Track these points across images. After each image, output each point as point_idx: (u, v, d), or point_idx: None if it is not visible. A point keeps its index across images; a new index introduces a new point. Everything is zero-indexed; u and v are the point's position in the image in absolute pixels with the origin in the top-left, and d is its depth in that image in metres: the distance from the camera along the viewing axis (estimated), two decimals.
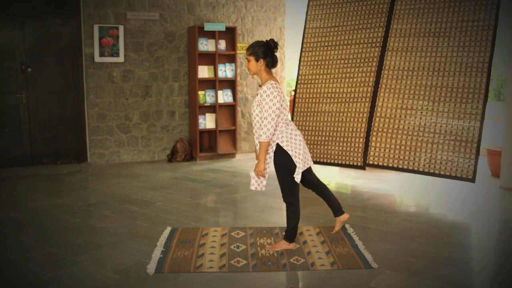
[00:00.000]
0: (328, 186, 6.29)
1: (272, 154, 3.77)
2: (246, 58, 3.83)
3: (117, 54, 7.56)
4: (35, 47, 7.24)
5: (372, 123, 6.05)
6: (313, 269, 3.60)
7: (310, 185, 4.10)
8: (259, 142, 3.71)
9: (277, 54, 8.85)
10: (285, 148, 3.69)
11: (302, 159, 3.74)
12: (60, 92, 7.47)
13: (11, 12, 7.05)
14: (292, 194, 3.81)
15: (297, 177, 3.71)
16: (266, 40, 3.80)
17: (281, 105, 3.72)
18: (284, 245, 3.94)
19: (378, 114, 6.03)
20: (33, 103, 7.30)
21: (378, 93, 6.06)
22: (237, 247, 4.01)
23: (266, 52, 3.75)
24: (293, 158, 3.69)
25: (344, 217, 4.12)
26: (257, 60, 3.77)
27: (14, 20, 7.08)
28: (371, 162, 6.04)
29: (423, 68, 5.80)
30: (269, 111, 3.64)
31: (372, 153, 6.03)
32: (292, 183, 3.78)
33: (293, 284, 3.44)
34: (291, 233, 3.92)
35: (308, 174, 4.03)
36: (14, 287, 3.36)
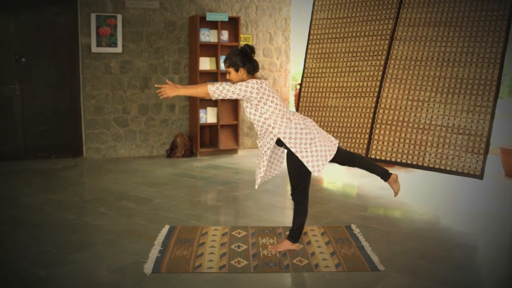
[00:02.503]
0: (334, 185, 6.35)
1: (271, 147, 3.76)
2: (226, 71, 3.84)
3: (115, 44, 7.56)
4: (30, 37, 7.24)
5: (376, 115, 6.01)
6: (317, 270, 3.60)
7: (344, 163, 4.07)
8: (207, 85, 3.74)
9: (283, 46, 8.87)
10: (288, 145, 3.68)
11: (316, 150, 3.69)
12: (55, 83, 7.48)
13: (4, 0, 7.04)
14: (302, 193, 3.82)
15: (315, 169, 3.68)
16: (241, 47, 3.81)
17: (272, 102, 3.70)
18: (287, 245, 3.94)
19: (382, 106, 5.98)
20: (27, 95, 7.31)
21: (383, 84, 6.03)
22: (238, 247, 4.02)
23: (244, 60, 3.76)
24: (297, 155, 3.68)
25: (394, 177, 4.07)
26: (237, 70, 3.78)
27: (7, 8, 7.07)
28: (373, 156, 5.99)
29: (432, 58, 5.76)
30: (237, 87, 3.66)
31: (374, 147, 5.97)
32: (303, 181, 3.78)
33: (296, 286, 3.45)
34: (296, 233, 3.92)
35: (336, 155, 3.93)
36: (6, 285, 3.38)
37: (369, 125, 6.09)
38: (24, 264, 3.66)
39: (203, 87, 3.78)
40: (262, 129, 3.78)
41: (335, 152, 3.83)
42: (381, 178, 4.05)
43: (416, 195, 5.83)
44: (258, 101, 3.68)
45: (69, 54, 7.48)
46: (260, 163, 3.80)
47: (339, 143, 3.90)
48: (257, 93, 3.66)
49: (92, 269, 3.59)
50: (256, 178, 3.83)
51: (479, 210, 5.20)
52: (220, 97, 3.73)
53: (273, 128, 3.70)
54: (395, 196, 4.13)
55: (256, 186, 3.86)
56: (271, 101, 3.69)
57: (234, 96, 3.69)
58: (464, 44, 5.60)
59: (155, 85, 3.92)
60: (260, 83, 3.68)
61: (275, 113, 3.70)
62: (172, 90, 3.79)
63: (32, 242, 4.12)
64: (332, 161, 3.93)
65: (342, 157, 3.97)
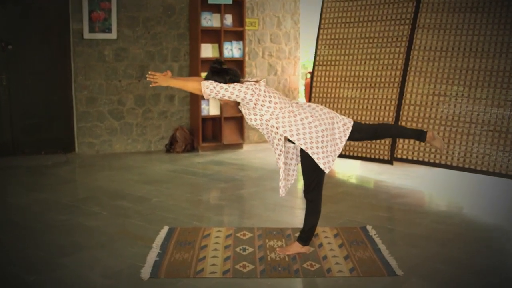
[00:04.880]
0: (348, 182, 6.35)
1: (283, 148, 3.76)
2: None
3: (109, 30, 7.57)
4: (17, 22, 7.25)
5: (401, 112, 6.04)
6: (329, 275, 3.60)
7: (370, 138, 4.12)
8: (201, 82, 3.77)
9: (292, 31, 8.85)
10: (297, 143, 3.68)
11: (326, 146, 3.69)
12: (45, 73, 7.50)
13: None
14: (316, 191, 3.83)
15: (326, 166, 3.69)
16: (209, 68, 3.85)
17: (270, 102, 3.70)
18: (297, 248, 3.95)
19: (407, 102, 6.03)
20: (14, 86, 7.33)
21: (407, 77, 6.05)
22: (243, 250, 4.03)
23: (222, 76, 3.80)
24: (308, 151, 3.68)
25: (430, 135, 4.06)
26: None
27: None
28: (399, 156, 6.07)
29: (458, 48, 5.76)
30: (231, 85, 3.69)
31: (400, 146, 6.03)
32: (318, 178, 3.79)
33: None
34: (307, 235, 3.93)
35: (358, 132, 3.93)
36: None
37: (390, 119, 6.10)
38: (10, 269, 3.68)
39: (195, 82, 3.80)
40: (267, 131, 3.79)
41: (346, 138, 3.81)
42: (417, 140, 4.08)
43: (437, 193, 5.82)
44: (255, 104, 3.70)
45: (60, 41, 7.49)
46: (280, 170, 3.83)
47: (353, 124, 3.85)
48: (252, 94, 3.67)
49: (85, 274, 3.61)
50: (279, 185, 3.86)
51: (506, 210, 5.18)
52: (212, 95, 3.71)
53: (277, 128, 3.71)
54: (441, 152, 4.14)
55: (281, 194, 3.86)
56: (269, 101, 3.70)
57: (227, 95, 3.69)
58: (493, 32, 5.58)
59: (149, 72, 3.93)
60: (254, 84, 3.71)
61: (276, 113, 3.71)
62: (164, 80, 3.82)
63: (19, 245, 4.14)
64: (357, 140, 4.01)
65: (367, 133, 3.98)
